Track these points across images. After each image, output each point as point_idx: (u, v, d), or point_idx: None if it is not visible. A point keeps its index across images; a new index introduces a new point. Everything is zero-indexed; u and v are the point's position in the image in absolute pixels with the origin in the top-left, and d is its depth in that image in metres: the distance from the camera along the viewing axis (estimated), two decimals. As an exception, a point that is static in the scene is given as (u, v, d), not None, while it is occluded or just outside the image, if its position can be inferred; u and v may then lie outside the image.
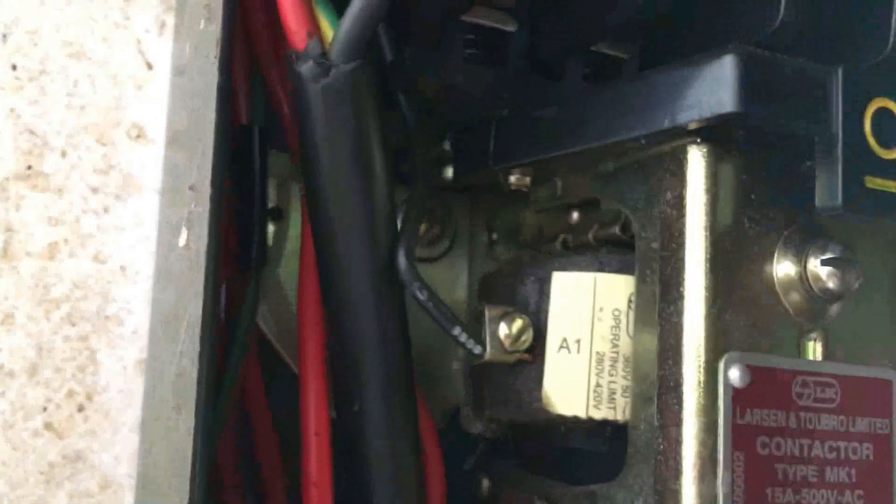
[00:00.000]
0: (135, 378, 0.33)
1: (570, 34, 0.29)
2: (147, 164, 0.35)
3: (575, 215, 0.31)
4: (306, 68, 0.25)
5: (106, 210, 0.34)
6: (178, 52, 0.34)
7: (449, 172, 0.33)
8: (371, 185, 0.26)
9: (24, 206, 0.33)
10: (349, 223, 0.26)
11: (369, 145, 0.26)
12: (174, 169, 0.32)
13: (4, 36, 0.33)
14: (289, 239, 0.35)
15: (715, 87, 0.23)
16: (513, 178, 0.30)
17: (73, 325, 0.32)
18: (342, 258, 0.26)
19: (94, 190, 0.34)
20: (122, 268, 0.33)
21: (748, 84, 0.22)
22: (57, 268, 0.33)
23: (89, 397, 0.32)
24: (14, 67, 0.33)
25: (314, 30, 0.25)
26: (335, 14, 0.26)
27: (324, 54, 0.25)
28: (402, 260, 0.26)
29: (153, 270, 0.33)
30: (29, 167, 0.33)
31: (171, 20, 0.36)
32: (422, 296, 0.26)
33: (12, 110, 0.33)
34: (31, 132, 0.33)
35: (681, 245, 0.24)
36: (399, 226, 0.28)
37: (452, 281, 0.37)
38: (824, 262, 0.24)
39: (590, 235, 0.30)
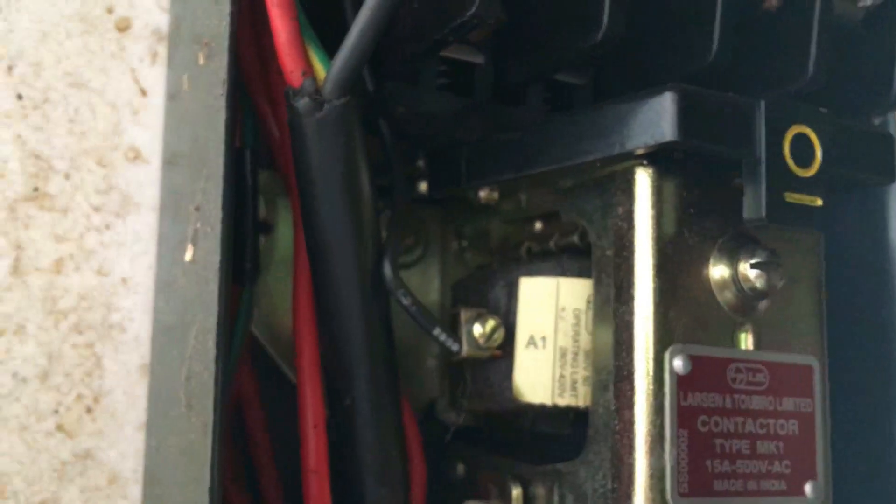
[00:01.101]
0: (138, 381, 0.36)
1: (532, 65, 0.33)
2: (144, 183, 0.38)
3: (538, 225, 0.35)
4: (302, 104, 0.28)
5: (107, 227, 0.37)
6: (171, 80, 0.37)
7: (423, 187, 0.37)
8: (359, 205, 0.29)
9: (32, 226, 0.35)
10: (340, 238, 0.29)
11: (358, 170, 0.29)
12: (173, 188, 0.35)
13: (10, 68, 0.36)
14: (277, 250, 0.38)
15: (657, 119, 0.26)
16: (482, 194, 0.34)
17: (80, 333, 0.35)
18: (334, 269, 0.30)
19: (96, 209, 0.37)
20: (124, 280, 0.36)
21: (685, 116, 0.26)
22: (64, 281, 0.35)
23: (96, 400, 0.35)
24: (19, 97, 0.36)
25: (308, 68, 0.29)
26: (325, 53, 0.29)
27: (317, 91, 0.28)
28: (387, 269, 0.30)
29: (153, 282, 0.36)
30: (35, 189, 0.36)
31: (163, 50, 0.39)
32: (405, 301, 0.30)
33: (18, 136, 0.36)
34: (37, 157, 0.36)
35: (631, 253, 0.28)
36: (384, 238, 0.31)
37: (426, 285, 0.41)
38: (753, 266, 0.28)
39: (551, 243, 0.34)
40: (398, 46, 0.31)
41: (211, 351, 0.27)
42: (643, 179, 0.28)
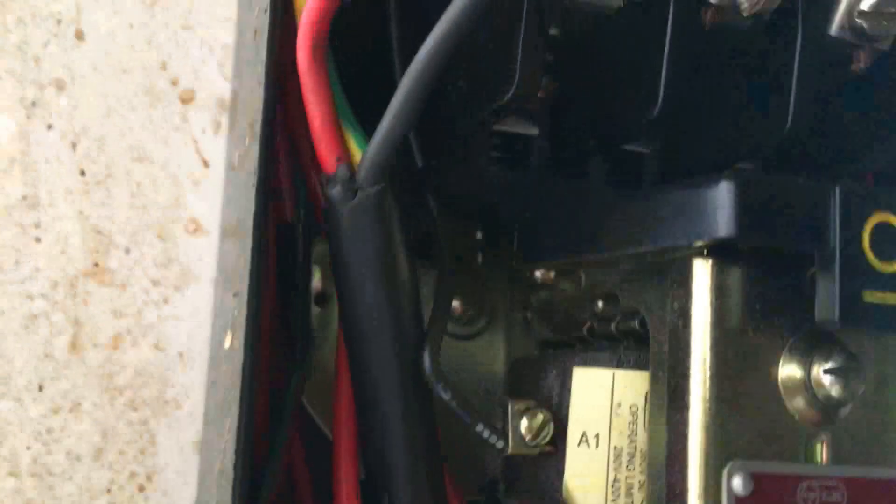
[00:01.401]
0: (191, 458, 0.35)
1: (590, 137, 0.31)
2: (203, 255, 0.37)
3: (600, 304, 0.32)
4: (335, 192, 0.27)
5: (165, 301, 0.36)
6: (231, 150, 0.37)
7: (481, 259, 0.35)
8: (396, 293, 0.28)
9: (92, 301, 0.36)
10: (376, 327, 0.28)
11: (393, 257, 0.28)
12: (227, 262, 0.35)
13: (74, 144, 0.37)
14: (334, 322, 0.37)
15: (712, 212, 0.24)
16: (538, 274, 0.32)
17: (135, 410, 0.35)
18: (370, 359, 0.28)
19: (155, 283, 0.37)
20: (181, 354, 0.36)
21: (743, 209, 0.24)
22: (121, 357, 0.35)
23: (149, 478, 0.35)
24: (83, 173, 0.37)
25: (343, 154, 0.28)
26: (363, 134, 0.28)
27: (352, 178, 0.27)
28: (426, 361, 0.28)
29: (208, 356, 0.36)
30: (96, 264, 0.36)
31: (225, 120, 0.39)
32: (446, 395, 0.28)
33: (81, 212, 0.36)
34: (98, 232, 0.36)
35: (686, 356, 0.25)
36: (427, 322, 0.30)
37: (491, 357, 0.39)
38: (827, 371, 0.25)
39: (612, 327, 0.31)
40: (448, 123, 0.30)
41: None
42: (701, 271, 0.25)
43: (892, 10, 0.28)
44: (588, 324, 0.33)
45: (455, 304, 0.38)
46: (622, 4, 0.26)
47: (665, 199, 0.26)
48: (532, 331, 0.37)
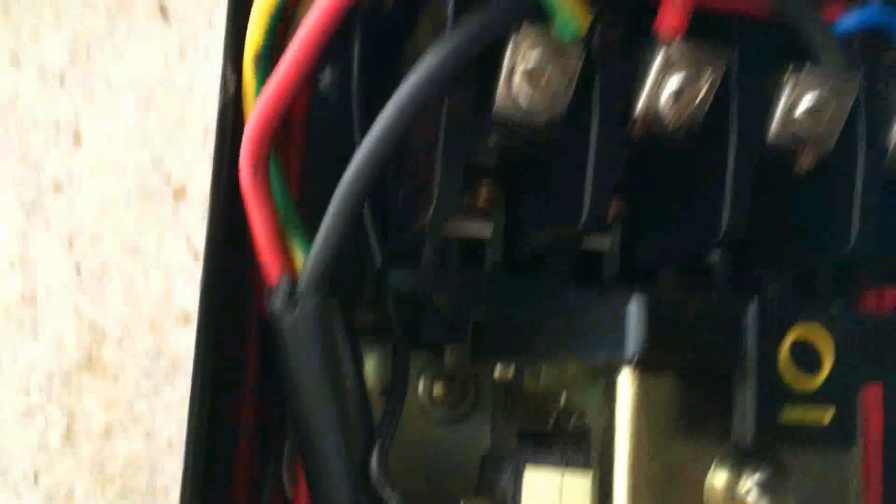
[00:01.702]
0: (178, 546, 0.37)
1: (548, 234, 0.31)
2: (192, 345, 0.39)
3: (563, 397, 0.33)
4: (276, 302, 0.28)
5: (156, 391, 0.38)
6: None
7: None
8: (342, 399, 0.29)
9: (85, 393, 0.38)
10: (323, 434, 0.29)
11: (337, 364, 0.29)
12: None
13: (70, 244, 0.39)
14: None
15: (621, 331, 0.24)
16: (497, 373, 0.32)
17: (126, 498, 0.37)
18: (319, 464, 0.29)
19: (146, 373, 0.38)
20: (170, 444, 0.38)
21: (649, 331, 0.23)
22: (112, 448, 0.37)
23: (139, 566, 0.36)
24: (78, 270, 0.39)
25: (285, 264, 0.29)
26: (308, 244, 0.29)
27: (293, 289, 0.28)
28: (374, 465, 0.29)
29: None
30: (89, 357, 0.38)
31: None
32: (392, 501, 0.29)
33: (76, 308, 0.39)
34: (92, 326, 0.38)
35: (610, 468, 0.25)
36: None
37: (476, 441, 0.39)
38: (756, 484, 0.25)
39: (571, 423, 0.31)
40: (397, 225, 0.31)
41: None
42: (626, 383, 0.25)
43: (830, 110, 0.27)
44: (553, 416, 0.33)
45: (438, 388, 0.38)
46: (544, 123, 0.26)
47: (580, 314, 0.26)
48: (514, 417, 0.37)
